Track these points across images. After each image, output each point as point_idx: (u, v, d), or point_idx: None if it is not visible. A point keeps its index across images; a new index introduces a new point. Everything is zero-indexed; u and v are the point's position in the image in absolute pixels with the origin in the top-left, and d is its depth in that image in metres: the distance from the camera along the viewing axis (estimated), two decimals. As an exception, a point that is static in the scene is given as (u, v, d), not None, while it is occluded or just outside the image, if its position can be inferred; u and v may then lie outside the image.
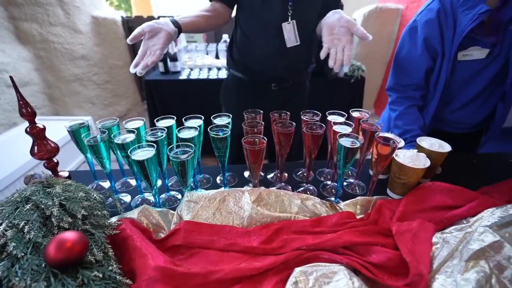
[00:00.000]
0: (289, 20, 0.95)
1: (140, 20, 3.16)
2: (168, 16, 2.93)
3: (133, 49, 3.34)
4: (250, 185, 0.80)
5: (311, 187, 0.82)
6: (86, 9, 2.90)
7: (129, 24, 3.18)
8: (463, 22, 0.88)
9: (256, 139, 0.64)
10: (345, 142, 0.63)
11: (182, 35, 2.53)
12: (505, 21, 0.87)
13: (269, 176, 0.89)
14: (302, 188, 0.81)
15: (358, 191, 0.82)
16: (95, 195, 0.60)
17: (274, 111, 0.80)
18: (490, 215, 0.57)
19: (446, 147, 0.82)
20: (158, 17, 3.13)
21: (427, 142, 0.85)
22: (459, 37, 0.88)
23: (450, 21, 0.90)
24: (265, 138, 0.63)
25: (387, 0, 3.30)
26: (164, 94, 2.17)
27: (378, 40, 3.28)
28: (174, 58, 2.21)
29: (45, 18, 2.62)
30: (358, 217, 0.67)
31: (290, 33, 0.97)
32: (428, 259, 0.50)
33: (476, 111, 1.03)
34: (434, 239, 0.55)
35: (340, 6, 1.09)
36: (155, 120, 0.75)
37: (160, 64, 2.23)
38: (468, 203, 0.63)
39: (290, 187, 0.83)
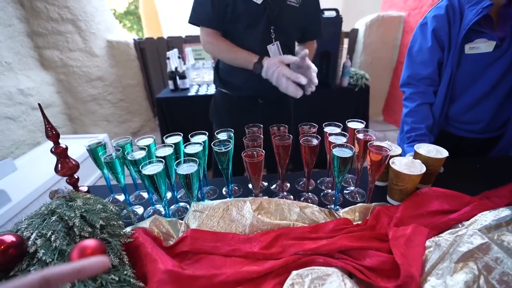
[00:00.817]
0: (273, 41, 1.01)
1: (150, 41, 3.34)
2: (176, 37, 3.03)
3: (145, 69, 3.52)
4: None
5: (311, 196, 0.86)
6: (101, 34, 3.11)
7: (141, 46, 3.37)
8: (469, 16, 0.92)
9: (255, 152, 0.69)
10: (339, 152, 0.67)
11: (190, 53, 2.66)
12: None
13: (272, 187, 0.94)
14: (303, 197, 0.85)
15: (358, 198, 0.85)
16: (111, 207, 0.67)
17: (273, 124, 0.85)
18: (483, 218, 0.59)
19: (443, 153, 0.85)
20: (168, 38, 3.31)
21: (424, 148, 0.88)
22: (464, 30, 0.92)
23: (457, 16, 0.96)
24: (263, 151, 0.68)
25: (389, 8, 3.36)
26: (174, 110, 2.27)
27: (382, 47, 3.31)
28: (183, 76, 2.32)
29: (65, 45, 2.84)
30: (355, 223, 0.70)
31: (275, 53, 1.01)
32: (420, 262, 0.53)
33: (492, 109, 1.01)
34: (427, 243, 0.57)
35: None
36: (164, 137, 0.82)
37: (170, 82, 2.34)
38: (464, 208, 0.65)
39: (292, 196, 0.87)
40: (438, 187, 0.79)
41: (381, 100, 3.66)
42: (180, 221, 0.72)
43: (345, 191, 0.89)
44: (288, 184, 0.94)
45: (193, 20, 1.05)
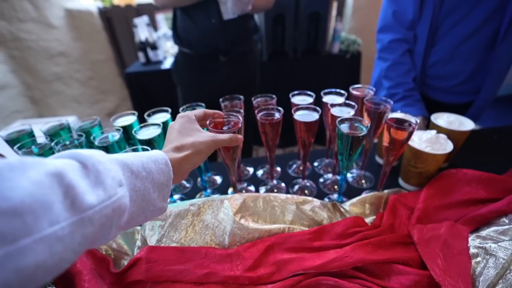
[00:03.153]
0: None
1: (117, 9, 2.93)
2: (146, 4, 2.63)
3: (115, 42, 3.14)
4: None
5: (308, 184, 0.69)
6: (57, 2, 2.68)
7: (107, 15, 2.96)
8: None
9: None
10: (348, 129, 0.49)
11: (163, 21, 2.33)
12: None
13: (258, 172, 0.76)
14: (298, 186, 0.68)
15: (364, 184, 0.69)
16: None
17: (257, 95, 0.66)
18: (541, 210, 0.44)
19: (467, 124, 0.69)
20: (137, 5, 2.90)
21: (444, 119, 0.71)
22: None
23: None
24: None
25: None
26: (148, 86, 2.01)
27: (372, 12, 3.04)
28: (154, 47, 2.03)
29: (12, 14, 2.42)
30: (368, 219, 0.54)
31: (226, 4, 0.94)
32: (469, 280, 0.38)
33: (472, 58, 0.86)
34: (472, 250, 0.42)
35: None
36: (111, 119, 0.61)
37: (141, 55, 2.05)
38: (507, 195, 0.50)
39: (284, 184, 0.70)
40: (455, 165, 0.65)
41: (370, 69, 3.46)
42: (139, 228, 0.54)
43: (348, 175, 0.73)
44: (279, 169, 0.77)
45: None
